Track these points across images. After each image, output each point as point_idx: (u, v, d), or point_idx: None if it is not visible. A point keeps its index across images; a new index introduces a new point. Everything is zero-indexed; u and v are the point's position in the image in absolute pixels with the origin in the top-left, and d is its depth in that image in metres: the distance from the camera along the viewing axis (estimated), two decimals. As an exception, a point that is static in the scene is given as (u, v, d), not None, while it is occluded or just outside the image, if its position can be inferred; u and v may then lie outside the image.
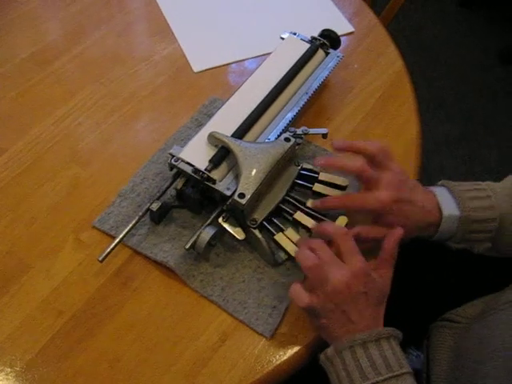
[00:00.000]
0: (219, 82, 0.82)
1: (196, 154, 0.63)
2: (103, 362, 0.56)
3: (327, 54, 0.77)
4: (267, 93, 0.69)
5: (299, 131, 0.68)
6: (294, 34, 0.78)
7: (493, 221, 0.60)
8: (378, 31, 0.91)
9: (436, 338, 0.66)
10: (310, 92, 0.72)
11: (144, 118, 0.77)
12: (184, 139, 0.73)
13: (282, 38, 0.78)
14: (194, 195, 0.61)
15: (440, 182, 0.64)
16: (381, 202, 0.57)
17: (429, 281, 0.77)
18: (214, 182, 0.60)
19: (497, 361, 0.53)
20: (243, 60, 0.85)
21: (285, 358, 0.57)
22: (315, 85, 0.73)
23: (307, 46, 0.76)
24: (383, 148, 0.60)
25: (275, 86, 0.70)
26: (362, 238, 0.59)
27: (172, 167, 0.63)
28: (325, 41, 0.76)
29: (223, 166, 0.62)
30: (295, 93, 0.72)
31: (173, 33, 0.88)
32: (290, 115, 0.69)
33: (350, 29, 0.90)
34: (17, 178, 0.70)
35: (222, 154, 0.63)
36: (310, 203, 0.63)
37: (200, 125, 0.74)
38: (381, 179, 0.59)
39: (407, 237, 0.60)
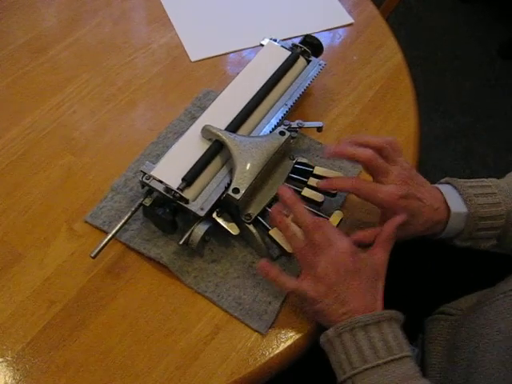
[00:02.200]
0: (216, 72, 0.81)
1: (168, 171, 0.60)
2: (95, 353, 0.56)
3: (309, 61, 0.74)
4: (245, 103, 0.67)
5: (294, 124, 0.67)
6: (275, 40, 0.75)
7: (500, 218, 0.60)
8: (378, 23, 0.90)
9: (431, 332, 0.66)
10: (290, 104, 0.69)
11: (140, 107, 0.76)
12: (177, 133, 0.72)
13: (262, 45, 0.75)
14: (165, 216, 0.59)
15: (444, 180, 0.63)
16: (390, 196, 0.56)
17: (423, 276, 0.76)
18: (186, 201, 0.58)
19: (492, 350, 0.53)
20: (241, 50, 0.84)
21: (278, 351, 0.57)
22: (296, 94, 0.70)
23: (287, 53, 0.72)
24: (391, 141, 0.60)
25: (253, 97, 0.68)
26: (363, 243, 0.59)
27: (144, 185, 0.61)
28: (306, 48, 0.73)
29: (196, 184, 0.60)
30: (275, 102, 0.69)
31: (170, 21, 0.87)
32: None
33: (350, 20, 0.89)
34: (10, 166, 0.69)
35: (196, 171, 0.60)
36: (305, 192, 0.62)
37: (193, 118, 0.72)
38: (390, 172, 0.58)
39: (413, 235, 0.60)
